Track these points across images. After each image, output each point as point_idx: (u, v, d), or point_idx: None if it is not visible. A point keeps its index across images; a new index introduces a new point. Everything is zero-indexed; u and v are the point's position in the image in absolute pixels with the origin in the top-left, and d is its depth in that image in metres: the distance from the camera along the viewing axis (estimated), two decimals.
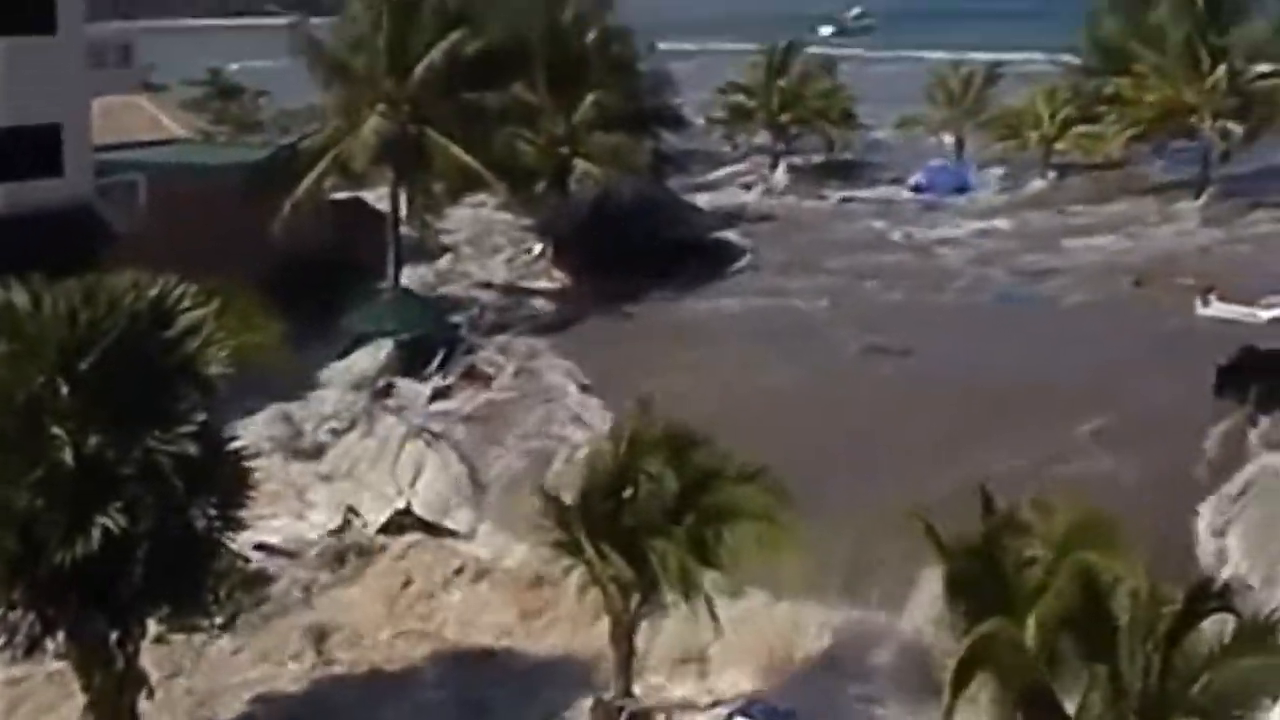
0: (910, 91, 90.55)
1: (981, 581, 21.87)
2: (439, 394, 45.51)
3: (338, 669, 32.22)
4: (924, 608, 27.25)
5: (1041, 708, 21.06)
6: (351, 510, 38.49)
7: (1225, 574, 30.94)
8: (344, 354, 47.62)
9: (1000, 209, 73.01)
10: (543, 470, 37.74)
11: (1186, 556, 31.58)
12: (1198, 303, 43.99)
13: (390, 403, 45.21)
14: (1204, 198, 70.25)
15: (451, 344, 48.47)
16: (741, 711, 28.13)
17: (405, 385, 46.24)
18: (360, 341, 48.03)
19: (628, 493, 27.29)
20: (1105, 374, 41.73)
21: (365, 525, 38.10)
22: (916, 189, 75.64)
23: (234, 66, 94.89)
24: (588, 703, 29.09)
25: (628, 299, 53.20)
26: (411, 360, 47.47)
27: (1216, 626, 21.65)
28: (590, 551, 27.01)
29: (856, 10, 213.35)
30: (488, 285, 58.34)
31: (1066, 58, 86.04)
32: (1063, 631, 20.84)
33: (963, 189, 74.41)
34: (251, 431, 36.62)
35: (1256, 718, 20.79)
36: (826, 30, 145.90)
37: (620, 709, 28.34)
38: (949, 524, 22.39)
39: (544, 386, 45.27)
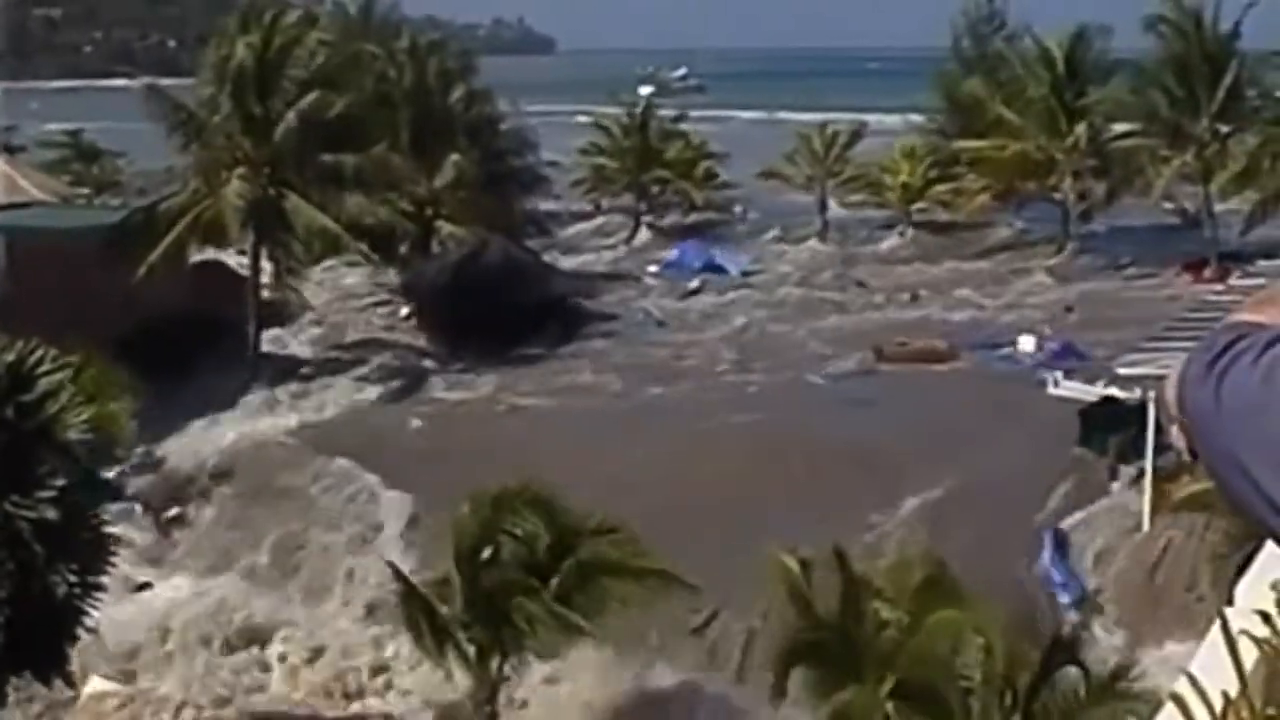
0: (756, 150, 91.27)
1: (839, 649, 22.14)
2: None
3: None
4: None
5: None
6: None
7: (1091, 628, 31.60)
8: None
9: (832, 268, 73.28)
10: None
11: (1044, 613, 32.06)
12: (1049, 381, 44.42)
13: None
14: (1063, 255, 71.40)
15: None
16: None
17: None
18: None
19: (486, 553, 27.23)
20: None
21: None
22: (667, 265, 74.36)
23: (92, 127, 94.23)
24: None
25: (484, 360, 53.11)
26: None
27: (1073, 679, 22.08)
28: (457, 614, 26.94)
29: (681, 71, 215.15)
30: (349, 348, 58.05)
31: (916, 118, 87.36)
32: (919, 693, 21.11)
33: (711, 268, 73.11)
34: None
35: None
36: (646, 90, 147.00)
37: None
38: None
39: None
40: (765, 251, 78.51)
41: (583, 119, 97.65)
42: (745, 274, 72.36)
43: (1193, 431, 2.22)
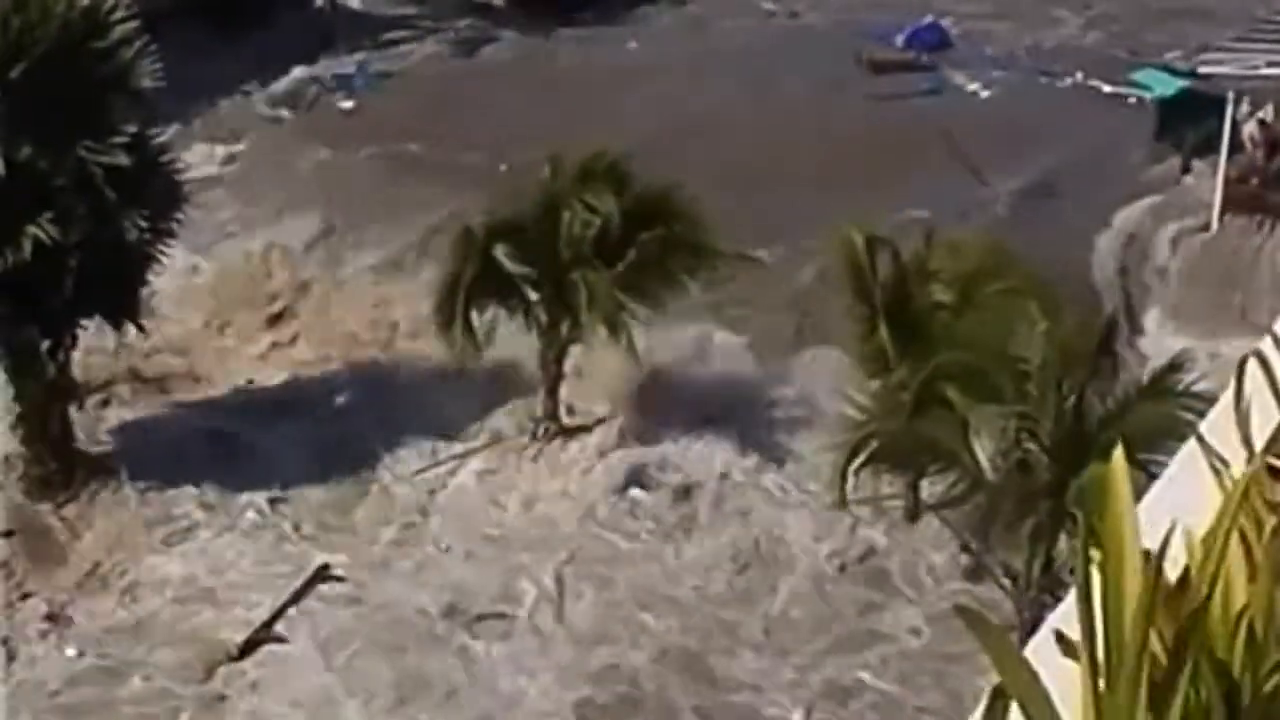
0: None
1: (888, 328, 22.28)
2: None
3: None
4: None
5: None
6: None
7: (1148, 324, 31.66)
8: None
9: None
10: None
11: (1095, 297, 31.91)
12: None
13: None
14: None
15: None
16: None
17: None
18: None
19: (566, 219, 26.99)
20: None
21: None
22: None
23: None
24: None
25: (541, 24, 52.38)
26: None
27: (1132, 373, 22.21)
28: (519, 275, 26.90)
29: None
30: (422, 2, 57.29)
31: None
32: (968, 375, 21.15)
33: None
34: None
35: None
36: None
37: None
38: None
39: None
40: None
41: None
42: None
43: None
